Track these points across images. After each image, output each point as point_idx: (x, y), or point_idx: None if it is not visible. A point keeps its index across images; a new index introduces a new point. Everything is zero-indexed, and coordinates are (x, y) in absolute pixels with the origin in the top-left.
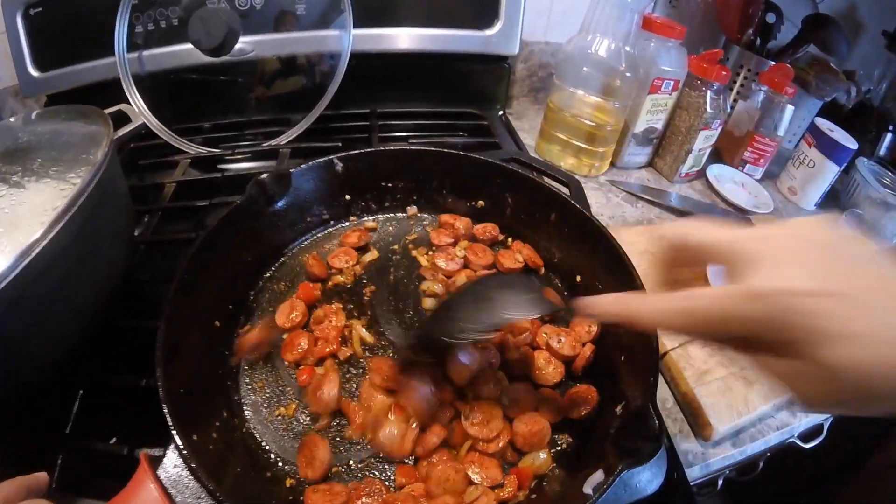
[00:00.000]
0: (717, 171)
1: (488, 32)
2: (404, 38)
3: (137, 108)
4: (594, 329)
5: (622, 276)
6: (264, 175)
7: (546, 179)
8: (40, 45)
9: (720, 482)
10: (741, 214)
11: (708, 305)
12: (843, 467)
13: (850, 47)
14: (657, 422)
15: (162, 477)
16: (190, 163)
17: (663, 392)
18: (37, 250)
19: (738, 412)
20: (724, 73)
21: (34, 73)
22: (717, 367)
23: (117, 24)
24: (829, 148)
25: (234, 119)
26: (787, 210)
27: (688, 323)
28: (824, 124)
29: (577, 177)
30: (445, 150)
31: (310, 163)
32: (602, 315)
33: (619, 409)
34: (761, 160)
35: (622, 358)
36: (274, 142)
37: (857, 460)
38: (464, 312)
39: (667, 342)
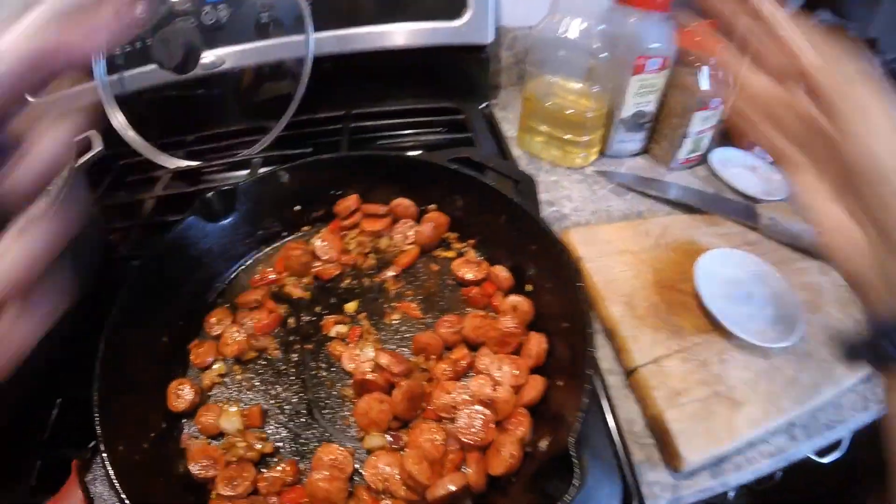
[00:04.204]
0: (721, 155)
1: (457, 23)
2: (371, 36)
3: (118, 126)
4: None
5: (567, 283)
6: (209, 193)
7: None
8: None
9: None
10: (746, 203)
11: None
12: (865, 481)
13: (870, 12)
14: (577, 468)
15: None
16: (172, 177)
17: (632, 413)
18: None
19: (717, 439)
20: (720, 46)
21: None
22: (697, 386)
23: None
24: None
25: (215, 130)
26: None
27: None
28: None
29: (560, 168)
30: (387, 154)
31: (255, 177)
32: None
33: (543, 445)
34: None
35: (560, 384)
36: (246, 152)
37: (879, 475)
38: None
39: (640, 357)
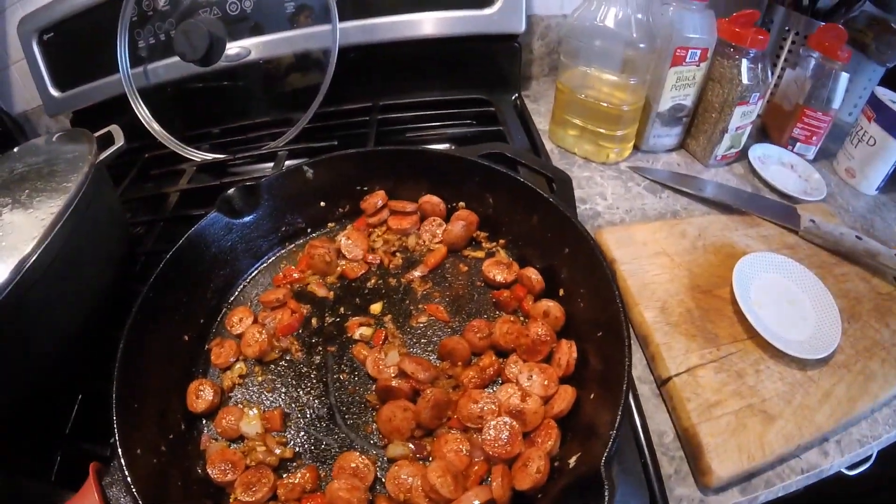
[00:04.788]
0: (760, 152)
1: (488, 11)
2: (398, 25)
3: (144, 119)
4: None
5: (604, 291)
6: (232, 190)
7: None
8: (58, 66)
9: None
10: (786, 203)
11: None
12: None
13: None
14: (607, 491)
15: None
16: (197, 169)
17: (663, 424)
18: (17, 279)
19: (750, 456)
20: (760, 37)
21: (55, 93)
22: (731, 398)
23: (118, 41)
24: (893, 122)
25: (241, 123)
26: (843, 196)
27: None
28: (886, 95)
29: (593, 163)
30: (418, 149)
31: (278, 172)
32: None
33: (572, 462)
34: (814, 138)
35: (592, 396)
36: (272, 144)
37: None
38: None
39: (673, 366)
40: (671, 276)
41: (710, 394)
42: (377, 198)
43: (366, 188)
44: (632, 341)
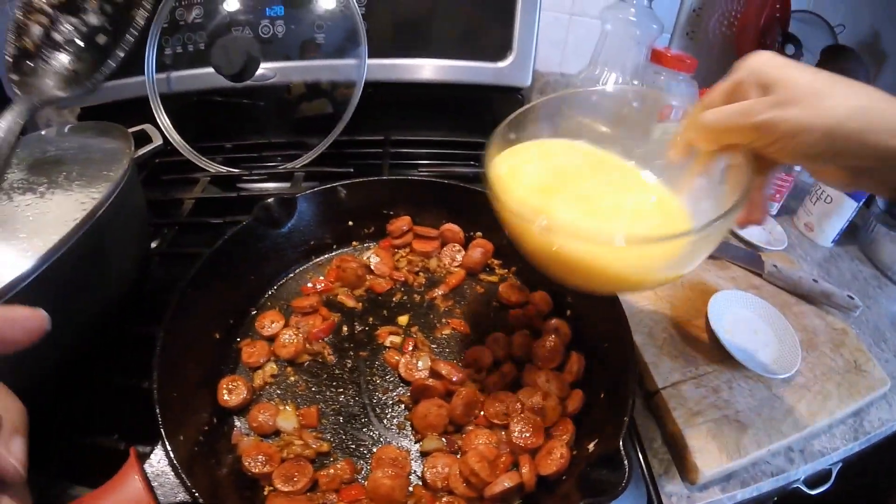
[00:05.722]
0: None
1: (501, 64)
2: (419, 68)
3: (163, 126)
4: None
5: (609, 309)
6: (270, 199)
7: None
8: None
9: None
10: (751, 251)
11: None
12: None
13: (870, 79)
14: (626, 462)
15: (148, 471)
16: (210, 180)
17: (651, 431)
18: (54, 257)
19: (729, 456)
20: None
21: None
22: (710, 408)
23: (148, 46)
24: None
25: (255, 140)
26: (802, 246)
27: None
28: None
29: None
30: (441, 181)
31: (315, 189)
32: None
33: (591, 447)
34: (777, 196)
35: (602, 396)
36: (290, 165)
37: None
38: None
39: (660, 381)
40: (655, 307)
41: (692, 404)
42: (403, 222)
43: (391, 212)
44: (635, 349)
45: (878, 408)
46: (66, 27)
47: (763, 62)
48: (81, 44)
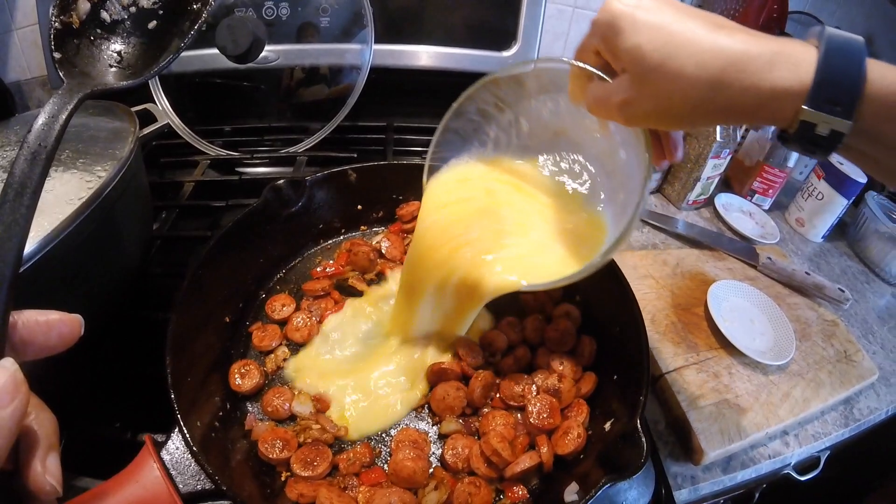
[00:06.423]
0: (725, 200)
1: (505, 54)
2: (424, 55)
3: (163, 107)
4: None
5: (619, 294)
6: (280, 181)
7: None
8: None
9: None
10: (746, 244)
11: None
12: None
13: None
14: (644, 439)
15: (165, 458)
16: (209, 164)
17: (656, 414)
18: (60, 237)
19: (730, 438)
20: None
21: None
22: (711, 393)
23: None
24: (839, 181)
25: (255, 124)
26: (794, 241)
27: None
28: (834, 157)
29: None
30: None
31: (325, 172)
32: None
33: (608, 426)
34: (770, 191)
35: (615, 377)
36: (292, 149)
37: (856, 495)
38: None
39: (663, 366)
40: (657, 294)
41: (694, 388)
42: (413, 207)
43: (401, 197)
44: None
45: (867, 397)
46: (116, 6)
47: (608, 25)
48: (132, 28)
